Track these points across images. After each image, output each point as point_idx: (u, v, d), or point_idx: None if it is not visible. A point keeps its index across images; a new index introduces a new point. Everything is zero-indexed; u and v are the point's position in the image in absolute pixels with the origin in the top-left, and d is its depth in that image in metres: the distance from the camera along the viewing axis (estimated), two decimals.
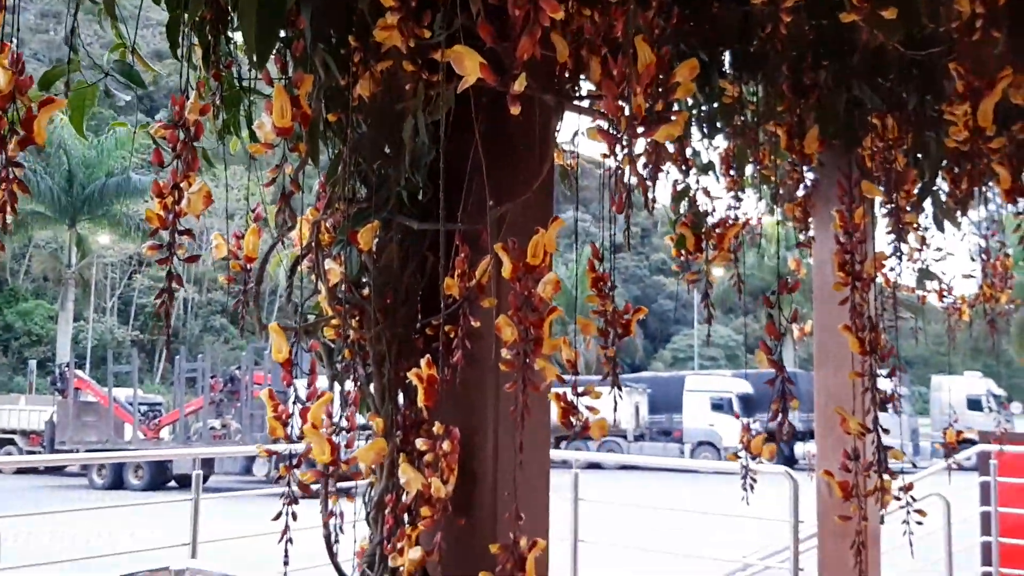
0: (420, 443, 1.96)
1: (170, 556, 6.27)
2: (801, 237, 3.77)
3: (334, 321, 2.02)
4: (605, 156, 2.67)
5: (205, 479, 20.60)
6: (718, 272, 3.12)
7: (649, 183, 2.41)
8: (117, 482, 23.77)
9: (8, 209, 1.22)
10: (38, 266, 38.98)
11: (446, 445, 1.89)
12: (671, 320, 55.96)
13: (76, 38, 1.49)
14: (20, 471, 26.66)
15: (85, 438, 24.63)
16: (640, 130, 1.16)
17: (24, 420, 27.83)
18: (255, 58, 1.43)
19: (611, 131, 1.19)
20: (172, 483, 23.63)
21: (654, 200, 2.53)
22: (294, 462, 1.91)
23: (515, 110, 1.22)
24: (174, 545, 6.19)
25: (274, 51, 1.61)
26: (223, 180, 2.15)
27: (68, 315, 35.35)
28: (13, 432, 27.84)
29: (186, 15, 1.55)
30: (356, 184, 2.02)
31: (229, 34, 1.64)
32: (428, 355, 1.95)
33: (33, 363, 33.39)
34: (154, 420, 26.59)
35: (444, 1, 1.44)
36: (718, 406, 29.69)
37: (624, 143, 1.19)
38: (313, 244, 1.92)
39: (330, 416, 1.75)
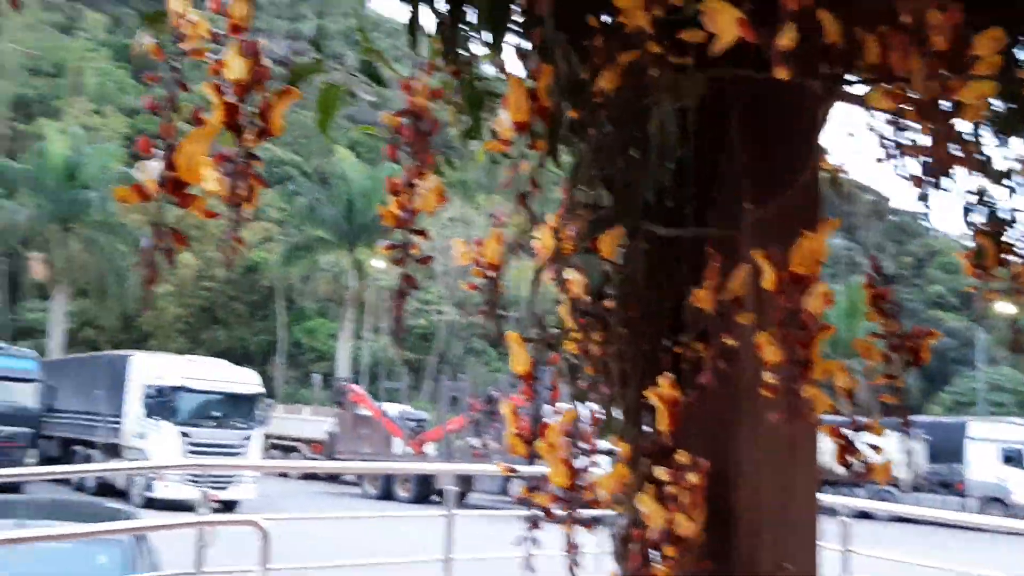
0: (661, 472, 1.77)
1: (425, 570, 6.47)
2: None
3: (575, 334, 1.90)
4: (880, 160, 2.33)
5: (464, 496, 21.39)
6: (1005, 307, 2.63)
7: (934, 182, 2.07)
8: (387, 493, 25.30)
9: (248, 202, 1.20)
10: (322, 288, 42.92)
11: (692, 477, 1.69)
12: (950, 360, 50.75)
13: (322, 39, 1.48)
14: (304, 476, 29.24)
15: (359, 449, 26.48)
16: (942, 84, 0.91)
17: (308, 430, 30.46)
18: (490, 35, 1.34)
19: (901, 90, 0.96)
20: (435, 497, 24.80)
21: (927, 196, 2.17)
22: (536, 484, 1.80)
23: (780, 73, 1.03)
24: (429, 560, 6.37)
25: (513, 44, 1.52)
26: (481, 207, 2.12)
27: (347, 334, 38.53)
28: (298, 440, 30.56)
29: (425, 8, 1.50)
30: (598, 188, 1.89)
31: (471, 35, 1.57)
32: (671, 375, 1.77)
33: (317, 377, 36.69)
34: (420, 435, 28.10)
35: None
36: (1010, 458, 26.41)
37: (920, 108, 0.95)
38: (554, 252, 1.81)
39: (571, 437, 1.61)
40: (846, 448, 1.90)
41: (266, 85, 1.19)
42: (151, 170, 1.04)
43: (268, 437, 28.13)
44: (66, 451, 22.97)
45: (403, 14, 1.69)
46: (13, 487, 15.00)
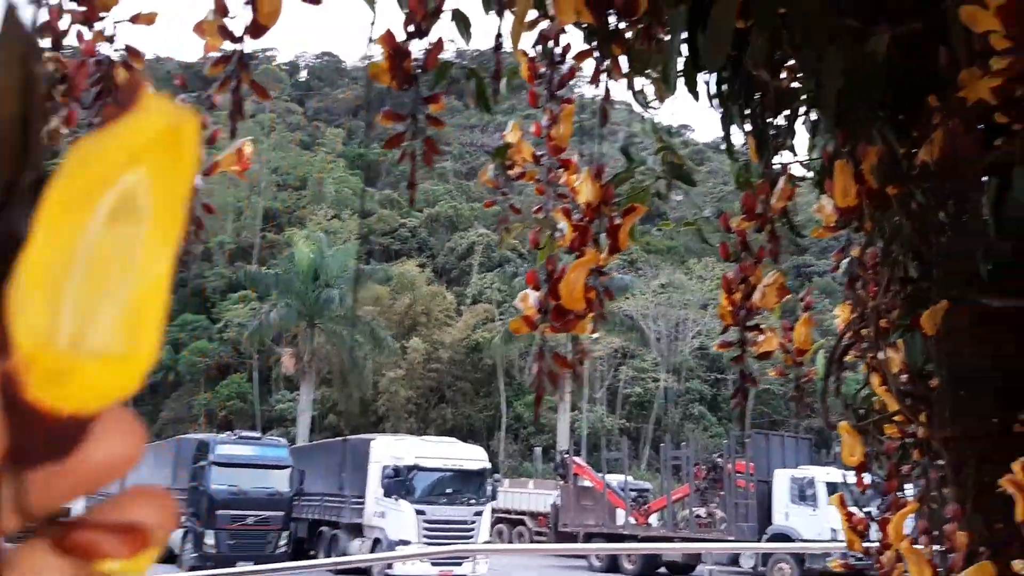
0: (1020, 565, 1.62)
1: None
2: None
3: (897, 417, 1.79)
4: None
5: (692, 568, 20.54)
6: None
7: None
8: (613, 565, 24.83)
9: (598, 315, 1.24)
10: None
11: None
12: None
13: (630, 147, 1.53)
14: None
15: (583, 521, 26.25)
16: None
17: (532, 503, 30.60)
18: (839, 123, 1.32)
19: None
20: (662, 569, 24.05)
21: None
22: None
23: None
24: None
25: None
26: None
27: (566, 405, 38.77)
28: (524, 513, 30.76)
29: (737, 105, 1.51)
30: (910, 263, 1.80)
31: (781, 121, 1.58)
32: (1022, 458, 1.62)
33: (538, 450, 37.01)
34: (644, 506, 27.48)
35: None
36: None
37: None
38: (869, 332, 1.73)
39: (927, 532, 1.51)
40: None
41: (612, 204, 1.23)
42: (532, 299, 1.10)
43: (495, 511, 28.52)
44: (313, 532, 24.34)
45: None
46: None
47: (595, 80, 1.36)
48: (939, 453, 1.78)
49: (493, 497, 23.62)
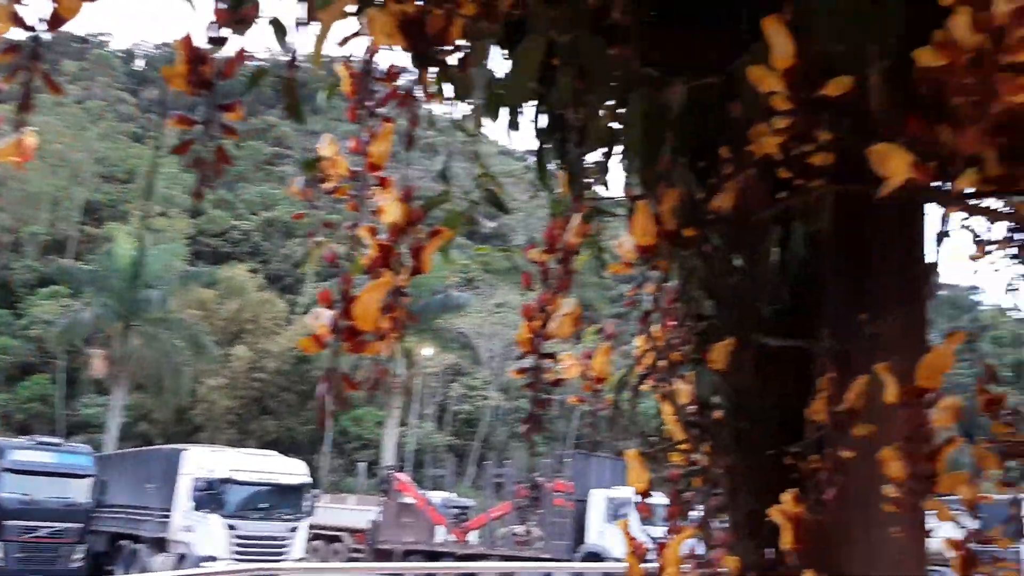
0: None
1: None
2: None
3: (682, 446, 1.89)
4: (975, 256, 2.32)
5: None
6: None
7: None
8: None
9: (396, 337, 1.24)
10: (369, 376, 43.11)
11: None
12: None
13: (448, 171, 1.55)
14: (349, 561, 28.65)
15: (402, 538, 26.04)
16: None
17: (352, 519, 30.06)
18: (640, 166, 1.38)
19: None
20: None
21: None
22: None
23: (953, 210, 1.05)
24: None
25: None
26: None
27: (393, 421, 38.43)
28: (342, 529, 30.15)
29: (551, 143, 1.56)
30: (703, 301, 1.91)
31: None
32: (795, 489, 1.74)
33: (362, 465, 36.41)
34: (463, 523, 27.59)
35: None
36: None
37: None
38: (662, 364, 1.82)
39: (695, 556, 1.59)
40: (968, 561, 1.85)
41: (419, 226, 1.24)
42: (325, 318, 1.09)
43: (312, 527, 27.78)
44: (113, 546, 22.93)
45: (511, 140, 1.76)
46: None
47: (403, 104, 1.37)
48: (718, 481, 1.89)
49: (310, 513, 23.03)
